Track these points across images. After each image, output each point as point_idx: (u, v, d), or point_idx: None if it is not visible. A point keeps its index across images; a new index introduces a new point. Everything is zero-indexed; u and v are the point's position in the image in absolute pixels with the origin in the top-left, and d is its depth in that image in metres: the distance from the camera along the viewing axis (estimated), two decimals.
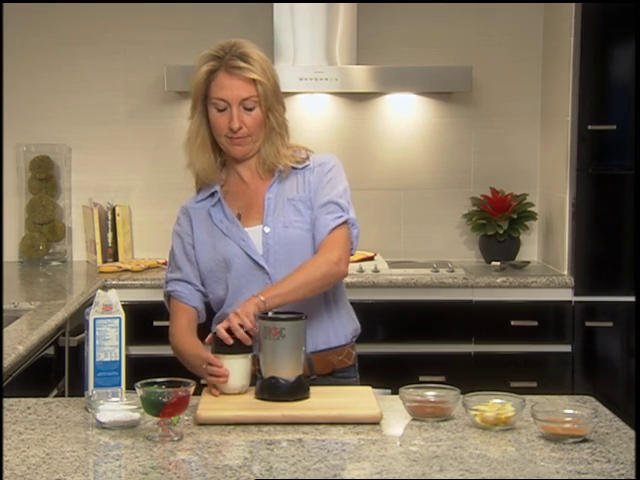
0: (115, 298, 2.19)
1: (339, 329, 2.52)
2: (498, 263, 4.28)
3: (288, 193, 2.49)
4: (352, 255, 2.49)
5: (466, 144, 4.56)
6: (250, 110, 2.42)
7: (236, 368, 2.21)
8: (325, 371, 2.48)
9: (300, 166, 2.50)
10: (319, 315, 2.46)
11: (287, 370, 2.17)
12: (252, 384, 2.24)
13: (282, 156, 2.48)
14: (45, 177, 4.47)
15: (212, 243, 2.49)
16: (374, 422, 2.06)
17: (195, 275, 2.51)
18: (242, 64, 2.39)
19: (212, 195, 2.52)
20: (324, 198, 2.46)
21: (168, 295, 2.54)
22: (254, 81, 2.39)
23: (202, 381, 2.27)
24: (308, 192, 2.48)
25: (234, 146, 2.45)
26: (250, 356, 2.24)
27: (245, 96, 2.40)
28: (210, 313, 2.55)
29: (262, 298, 2.28)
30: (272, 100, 2.43)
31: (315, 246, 2.44)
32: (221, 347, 2.23)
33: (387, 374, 3.41)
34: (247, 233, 2.47)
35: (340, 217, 2.44)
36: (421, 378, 3.75)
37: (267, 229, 2.45)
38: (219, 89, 2.41)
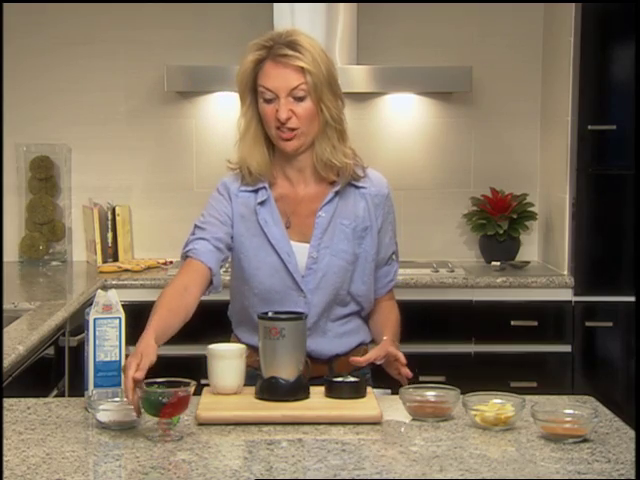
0: (115, 298, 2.19)
1: (367, 331, 2.53)
2: (498, 263, 4.28)
3: (342, 216, 2.37)
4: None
5: (466, 144, 4.56)
6: (300, 100, 2.27)
7: (232, 368, 2.20)
8: (345, 371, 2.46)
9: (358, 184, 2.40)
10: (358, 321, 2.48)
11: (287, 370, 2.17)
12: (247, 384, 2.23)
13: (339, 152, 2.33)
14: (45, 177, 4.47)
15: (250, 244, 2.36)
16: (374, 422, 2.06)
17: (220, 238, 2.33)
18: (289, 52, 2.25)
19: (257, 191, 2.37)
20: (390, 247, 2.49)
21: (185, 256, 2.35)
22: (302, 69, 2.25)
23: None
24: (367, 220, 2.40)
25: (284, 141, 2.30)
26: (245, 356, 2.24)
27: (293, 85, 2.25)
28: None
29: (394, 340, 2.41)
30: (324, 91, 2.27)
31: (353, 278, 2.40)
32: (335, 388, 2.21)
33: (387, 374, 3.41)
34: (292, 248, 2.35)
35: (392, 281, 2.52)
36: (421, 378, 3.74)
37: (315, 254, 2.34)
38: (266, 78, 2.27)
